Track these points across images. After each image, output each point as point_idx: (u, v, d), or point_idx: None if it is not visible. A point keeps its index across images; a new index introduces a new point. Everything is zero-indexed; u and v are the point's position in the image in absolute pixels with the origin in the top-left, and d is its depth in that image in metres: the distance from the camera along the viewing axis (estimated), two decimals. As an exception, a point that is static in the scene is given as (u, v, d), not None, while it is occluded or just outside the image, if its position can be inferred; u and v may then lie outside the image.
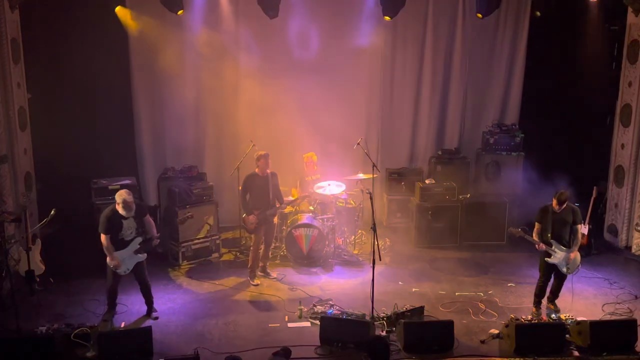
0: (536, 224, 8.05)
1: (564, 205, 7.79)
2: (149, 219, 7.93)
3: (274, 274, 9.26)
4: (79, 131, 10.09)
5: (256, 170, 8.90)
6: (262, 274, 9.21)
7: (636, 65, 10.01)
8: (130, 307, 8.19)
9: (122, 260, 7.65)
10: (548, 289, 8.18)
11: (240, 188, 9.26)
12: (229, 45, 10.65)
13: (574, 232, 7.98)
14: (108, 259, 7.60)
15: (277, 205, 9.10)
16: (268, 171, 8.89)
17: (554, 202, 7.82)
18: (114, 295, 7.89)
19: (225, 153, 11.10)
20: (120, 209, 7.53)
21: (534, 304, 8.20)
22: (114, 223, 7.59)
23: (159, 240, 8.04)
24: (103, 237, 7.57)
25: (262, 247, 9.11)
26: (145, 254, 7.84)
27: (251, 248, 9.16)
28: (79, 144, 10.09)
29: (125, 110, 10.69)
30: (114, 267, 7.62)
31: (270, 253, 9.42)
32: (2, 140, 8.99)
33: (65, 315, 7.87)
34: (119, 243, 7.64)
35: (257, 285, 8.94)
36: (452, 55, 11.32)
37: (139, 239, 7.74)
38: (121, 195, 7.53)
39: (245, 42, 10.68)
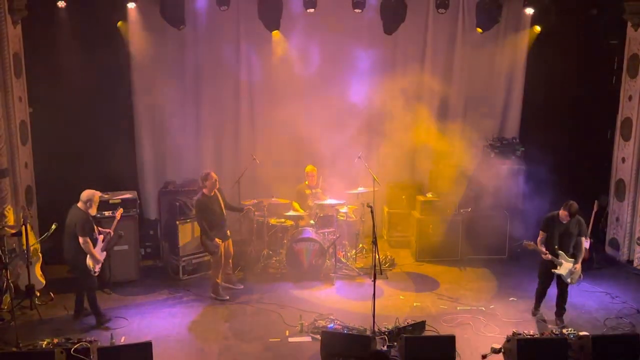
0: (541, 232, 8.05)
1: (574, 217, 7.81)
2: None
3: (240, 285, 9.26)
4: (80, 145, 10.11)
5: (204, 191, 8.76)
6: (227, 284, 9.20)
7: (636, 79, 10.05)
8: (130, 321, 8.16)
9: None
10: (554, 302, 8.20)
11: (195, 213, 8.91)
12: (230, 60, 10.71)
13: (577, 243, 8.01)
14: (90, 261, 7.77)
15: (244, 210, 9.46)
16: (215, 190, 8.87)
17: (564, 213, 7.80)
18: (96, 299, 8.09)
19: (226, 167, 11.11)
20: (93, 208, 7.84)
21: (534, 306, 8.29)
22: (91, 225, 7.88)
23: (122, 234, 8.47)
24: (85, 240, 7.70)
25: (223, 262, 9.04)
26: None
27: (213, 268, 8.99)
28: (80, 158, 10.11)
29: (126, 124, 10.72)
30: (95, 268, 7.86)
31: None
32: (3, 153, 9.02)
33: (66, 329, 7.81)
34: (93, 244, 7.91)
35: (227, 299, 8.88)
36: (452, 69, 11.35)
37: (101, 236, 8.13)
38: (90, 194, 7.82)
39: (247, 56, 10.74)
